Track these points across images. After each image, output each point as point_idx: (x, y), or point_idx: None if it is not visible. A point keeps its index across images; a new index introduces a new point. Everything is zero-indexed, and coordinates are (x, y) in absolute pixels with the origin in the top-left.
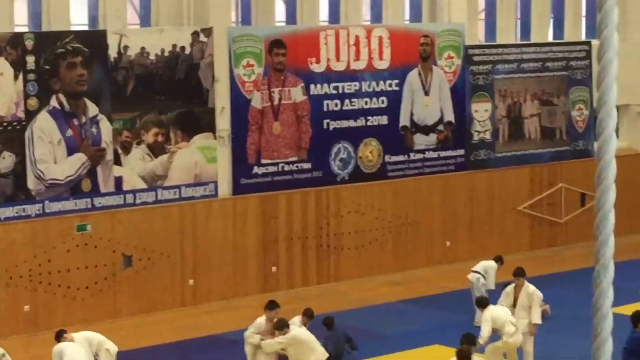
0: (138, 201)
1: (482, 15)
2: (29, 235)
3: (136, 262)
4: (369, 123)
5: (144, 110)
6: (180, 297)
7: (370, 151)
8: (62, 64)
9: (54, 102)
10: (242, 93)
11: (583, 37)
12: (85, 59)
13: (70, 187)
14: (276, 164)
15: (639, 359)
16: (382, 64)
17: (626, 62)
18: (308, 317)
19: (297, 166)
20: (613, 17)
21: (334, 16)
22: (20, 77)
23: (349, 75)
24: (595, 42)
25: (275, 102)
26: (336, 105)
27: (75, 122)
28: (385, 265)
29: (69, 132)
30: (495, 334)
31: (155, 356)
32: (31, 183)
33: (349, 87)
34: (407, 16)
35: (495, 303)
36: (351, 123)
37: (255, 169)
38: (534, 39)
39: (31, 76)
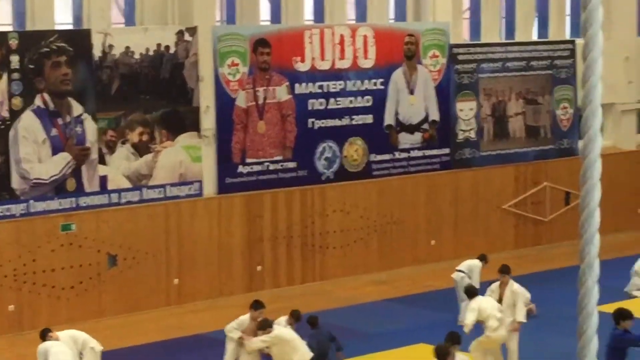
0: (123, 200)
1: (467, 14)
2: (14, 235)
3: (121, 261)
4: (354, 122)
5: (129, 109)
6: (165, 296)
7: (355, 150)
8: (46, 63)
9: (38, 102)
10: (226, 92)
11: (567, 36)
12: (69, 58)
13: (54, 187)
14: (261, 163)
15: (621, 356)
16: (367, 63)
17: (611, 61)
18: (295, 318)
19: (282, 165)
20: (598, 16)
21: (319, 15)
22: (5, 76)
23: (334, 74)
24: (579, 41)
25: (260, 101)
26: (321, 104)
27: (60, 121)
28: (370, 264)
29: (54, 132)
30: (480, 328)
31: (140, 356)
32: (15, 182)
33: (334, 86)
34: (391, 15)
35: None
36: (336, 122)
37: (240, 168)
38: (518, 37)
39: (15, 75)
